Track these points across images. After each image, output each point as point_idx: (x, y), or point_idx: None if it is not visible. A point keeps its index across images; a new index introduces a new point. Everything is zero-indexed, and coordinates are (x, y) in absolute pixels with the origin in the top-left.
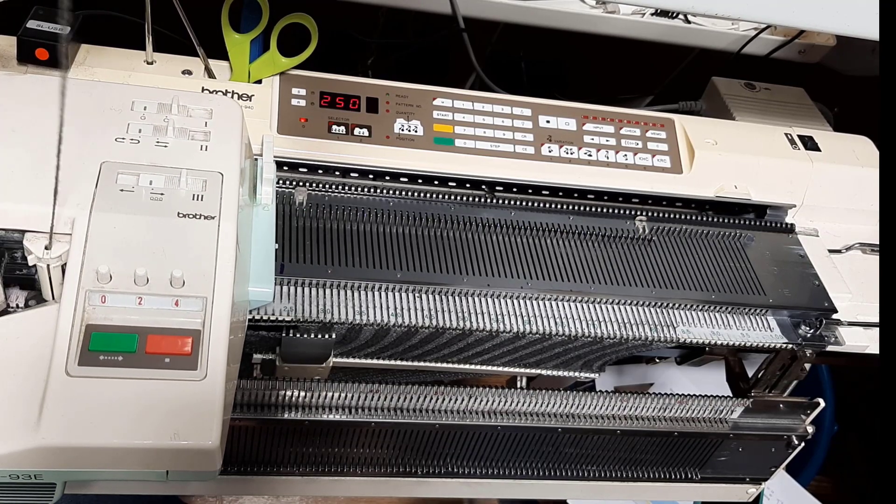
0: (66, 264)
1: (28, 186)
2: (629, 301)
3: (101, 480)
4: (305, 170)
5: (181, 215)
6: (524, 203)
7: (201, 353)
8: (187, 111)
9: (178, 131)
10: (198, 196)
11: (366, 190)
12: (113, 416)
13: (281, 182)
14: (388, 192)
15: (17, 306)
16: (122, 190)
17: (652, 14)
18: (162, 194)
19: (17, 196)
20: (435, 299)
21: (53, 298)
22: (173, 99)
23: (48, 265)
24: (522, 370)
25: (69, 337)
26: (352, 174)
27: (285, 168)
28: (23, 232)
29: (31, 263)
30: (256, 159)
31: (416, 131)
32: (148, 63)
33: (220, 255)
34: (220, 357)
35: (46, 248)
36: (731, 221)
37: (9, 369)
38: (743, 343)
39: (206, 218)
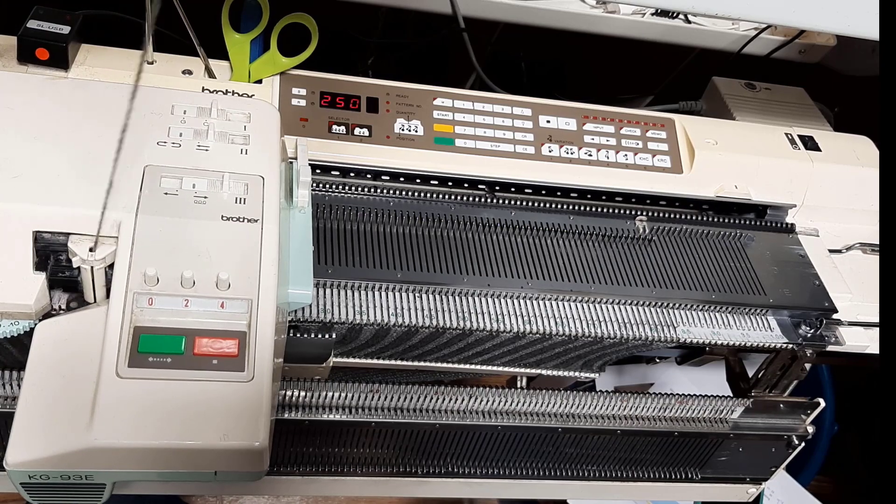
0: (109, 266)
1: (73, 189)
2: (629, 301)
3: (149, 481)
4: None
5: (225, 218)
6: (524, 203)
7: (248, 355)
8: (226, 115)
9: (218, 135)
10: (240, 199)
11: (366, 190)
12: (164, 417)
13: None
14: (388, 192)
15: (60, 308)
16: (166, 193)
17: (652, 14)
18: (205, 197)
19: (63, 199)
20: (435, 299)
21: (95, 300)
22: (212, 103)
23: (92, 267)
24: (522, 370)
25: (118, 339)
26: (352, 174)
27: None
28: (67, 234)
29: (75, 265)
30: (291, 162)
31: (416, 131)
32: (148, 63)
33: (264, 258)
34: (267, 358)
35: (91, 249)
36: (732, 221)
37: (58, 370)
38: (743, 343)
39: (249, 221)
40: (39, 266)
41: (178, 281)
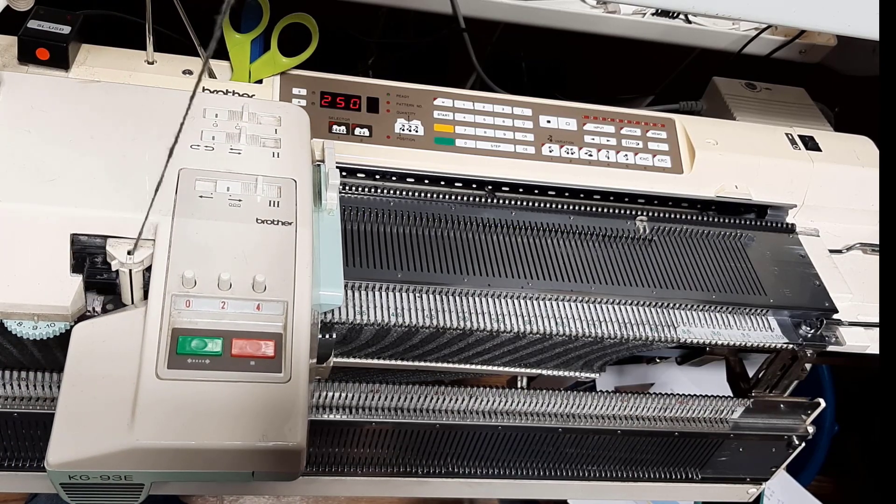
0: (147, 269)
1: (109, 192)
2: (630, 301)
3: (186, 481)
4: None
5: (259, 221)
6: (525, 203)
7: (284, 356)
8: (257, 118)
9: (250, 138)
10: (274, 202)
11: (366, 190)
12: (203, 418)
13: None
14: (388, 192)
15: (94, 310)
16: (201, 196)
17: (652, 14)
18: (240, 200)
19: (100, 202)
20: (435, 299)
21: (133, 302)
22: (243, 107)
23: (130, 270)
24: (523, 370)
25: (157, 340)
26: (352, 174)
27: None
28: (104, 237)
29: (114, 269)
30: (318, 165)
31: (416, 131)
32: (149, 63)
33: (299, 261)
34: (303, 359)
35: (129, 252)
36: (732, 221)
37: (97, 371)
38: (743, 343)
39: (283, 224)
40: (76, 268)
41: (216, 283)
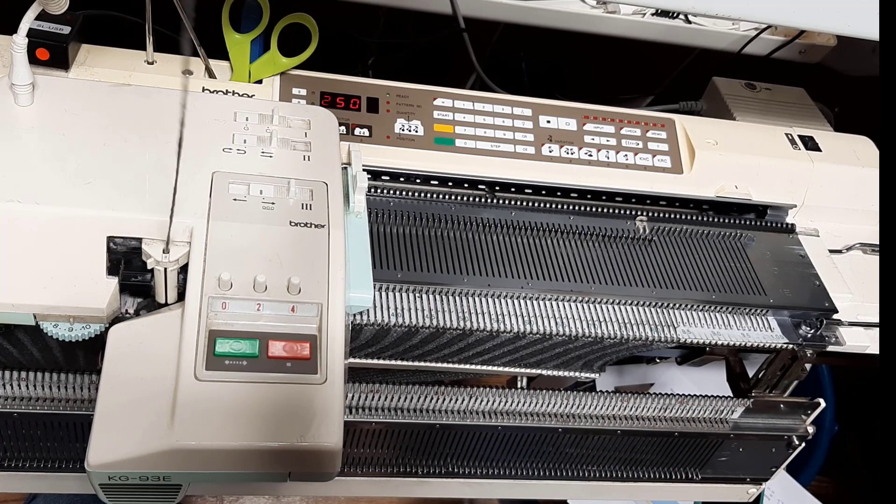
0: (181, 268)
1: (145, 196)
2: (630, 301)
3: (223, 482)
4: None
5: (293, 224)
6: (524, 203)
7: (320, 357)
8: (287, 122)
9: (281, 142)
10: (306, 205)
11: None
12: (242, 419)
13: None
14: (388, 192)
15: (127, 312)
16: (235, 199)
17: (652, 14)
18: (273, 203)
19: (136, 205)
20: (435, 299)
21: (167, 302)
22: (273, 110)
23: (165, 269)
24: (523, 370)
25: (195, 342)
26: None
27: None
28: (139, 240)
29: (149, 267)
30: (345, 168)
31: (416, 131)
32: (148, 63)
33: (332, 263)
34: (338, 360)
35: (164, 251)
36: (732, 221)
37: (135, 373)
38: (743, 343)
39: (316, 226)
40: (111, 270)
41: (251, 285)
